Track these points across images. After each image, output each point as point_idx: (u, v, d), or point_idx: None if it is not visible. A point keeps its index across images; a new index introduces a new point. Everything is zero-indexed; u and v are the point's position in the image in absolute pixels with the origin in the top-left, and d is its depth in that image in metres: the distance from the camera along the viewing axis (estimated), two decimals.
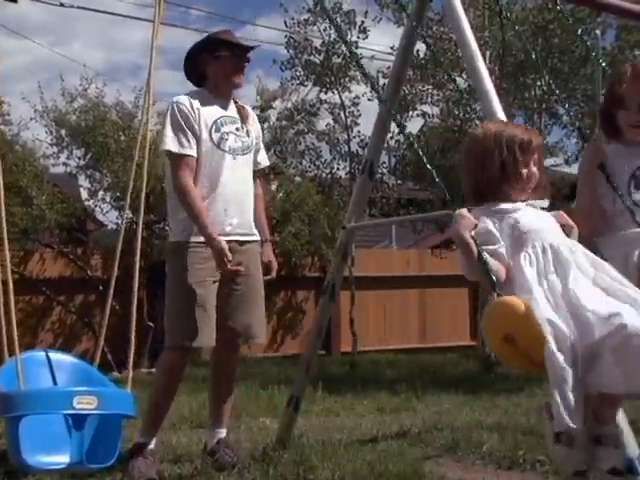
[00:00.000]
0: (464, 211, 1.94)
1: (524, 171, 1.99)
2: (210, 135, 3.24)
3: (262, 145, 3.60)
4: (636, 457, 2.27)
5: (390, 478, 3.01)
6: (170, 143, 3.18)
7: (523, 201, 1.99)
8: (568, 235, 1.99)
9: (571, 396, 1.71)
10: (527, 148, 1.99)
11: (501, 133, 2.00)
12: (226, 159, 3.26)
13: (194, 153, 3.20)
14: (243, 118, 3.38)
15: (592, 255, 1.92)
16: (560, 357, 1.71)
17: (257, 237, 3.40)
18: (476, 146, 2.05)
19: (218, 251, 3.07)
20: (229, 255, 3.08)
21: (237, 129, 3.33)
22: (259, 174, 3.58)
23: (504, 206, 1.95)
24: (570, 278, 1.80)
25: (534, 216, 1.96)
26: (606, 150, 2.52)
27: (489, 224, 1.90)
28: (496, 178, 1.97)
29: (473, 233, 1.89)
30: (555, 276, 1.82)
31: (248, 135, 3.37)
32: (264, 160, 3.58)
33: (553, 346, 1.70)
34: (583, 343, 1.72)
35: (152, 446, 3.19)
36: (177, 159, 3.19)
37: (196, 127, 3.21)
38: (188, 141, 3.19)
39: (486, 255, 1.85)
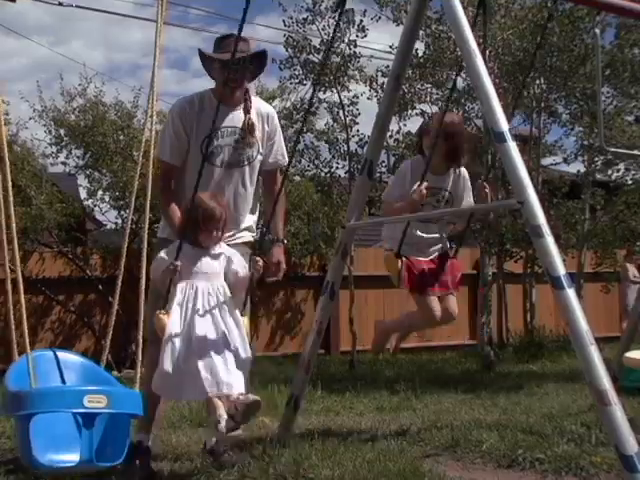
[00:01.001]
0: (162, 254, 2.98)
1: (204, 234, 2.98)
2: (201, 148, 3.21)
3: (280, 144, 3.50)
4: (635, 454, 2.28)
5: (390, 477, 3.01)
6: (159, 150, 3.25)
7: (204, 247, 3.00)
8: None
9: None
10: (210, 219, 2.97)
11: (200, 201, 2.97)
12: (215, 173, 3.25)
13: (179, 164, 3.25)
14: (249, 128, 3.29)
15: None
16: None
17: (246, 239, 3.39)
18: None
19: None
20: None
21: (236, 141, 3.28)
22: (277, 171, 3.54)
23: (186, 249, 2.93)
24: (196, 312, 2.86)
25: (202, 261, 2.97)
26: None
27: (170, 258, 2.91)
28: (192, 232, 2.96)
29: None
30: (191, 305, 2.87)
31: (250, 146, 3.32)
32: (280, 159, 3.51)
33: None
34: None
35: (149, 443, 3.19)
36: (163, 167, 3.27)
37: (187, 139, 3.22)
38: (176, 151, 3.23)
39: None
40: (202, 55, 3.30)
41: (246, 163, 3.32)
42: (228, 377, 2.77)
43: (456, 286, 3.78)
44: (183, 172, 3.28)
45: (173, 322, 2.81)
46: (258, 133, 3.34)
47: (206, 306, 2.88)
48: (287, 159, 3.55)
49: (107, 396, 2.34)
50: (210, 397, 2.76)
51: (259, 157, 3.37)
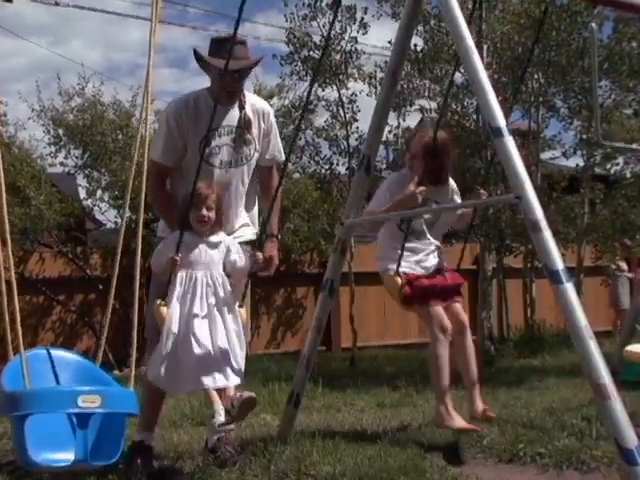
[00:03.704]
0: (161, 246, 3.03)
1: (197, 214, 2.97)
2: (199, 148, 3.15)
3: (276, 141, 3.47)
4: (635, 447, 2.28)
5: (391, 473, 3.01)
6: (152, 151, 3.21)
7: (201, 236, 3.01)
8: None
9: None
10: (197, 197, 2.96)
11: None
12: (215, 173, 3.23)
13: (171, 164, 3.24)
14: (245, 125, 3.27)
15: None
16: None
17: (245, 238, 3.37)
18: None
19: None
20: None
21: (233, 140, 3.26)
22: (273, 167, 3.53)
23: (185, 239, 2.93)
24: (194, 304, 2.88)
25: (200, 250, 2.98)
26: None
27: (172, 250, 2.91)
28: (186, 218, 2.95)
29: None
30: (190, 297, 2.88)
31: (248, 144, 3.30)
32: (277, 155, 3.49)
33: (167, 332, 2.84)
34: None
35: (151, 442, 3.19)
36: (155, 167, 3.24)
37: (182, 140, 3.20)
38: (169, 152, 3.21)
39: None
40: (200, 58, 3.28)
41: (244, 162, 3.31)
42: (224, 371, 2.83)
43: (459, 295, 3.63)
44: (181, 174, 3.27)
45: (172, 315, 2.83)
46: (254, 130, 3.33)
47: (204, 298, 2.89)
48: (284, 155, 3.55)
49: (101, 396, 2.36)
50: (207, 391, 2.82)
51: (256, 155, 3.36)
